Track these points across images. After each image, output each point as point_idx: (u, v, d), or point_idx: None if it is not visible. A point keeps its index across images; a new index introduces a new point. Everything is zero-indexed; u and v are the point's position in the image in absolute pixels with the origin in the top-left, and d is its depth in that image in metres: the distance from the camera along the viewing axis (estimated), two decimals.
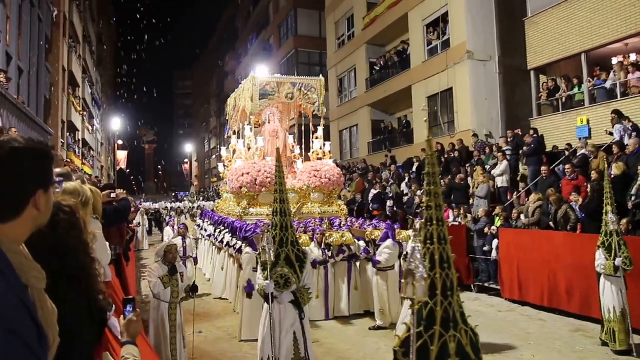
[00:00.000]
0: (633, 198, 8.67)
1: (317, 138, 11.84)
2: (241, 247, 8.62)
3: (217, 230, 11.11)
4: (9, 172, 1.30)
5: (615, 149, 9.97)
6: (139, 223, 18.68)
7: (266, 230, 4.72)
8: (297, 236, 8.68)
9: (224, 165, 13.43)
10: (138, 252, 17.25)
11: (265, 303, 4.68)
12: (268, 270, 4.57)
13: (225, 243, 9.87)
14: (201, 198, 39.07)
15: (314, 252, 8.49)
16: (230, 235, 9.73)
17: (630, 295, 7.38)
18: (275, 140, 11.86)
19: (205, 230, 12.97)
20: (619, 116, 10.98)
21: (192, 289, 5.88)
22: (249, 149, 11.42)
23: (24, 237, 1.36)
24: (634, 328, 7.15)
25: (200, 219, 15.74)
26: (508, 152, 13.01)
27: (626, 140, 10.21)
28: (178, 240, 10.65)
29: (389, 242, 8.02)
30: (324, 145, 11.85)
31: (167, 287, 5.59)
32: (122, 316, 2.20)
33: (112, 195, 4.86)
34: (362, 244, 9.00)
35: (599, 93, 12.70)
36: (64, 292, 1.67)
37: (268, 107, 11.67)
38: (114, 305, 2.58)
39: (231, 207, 11.59)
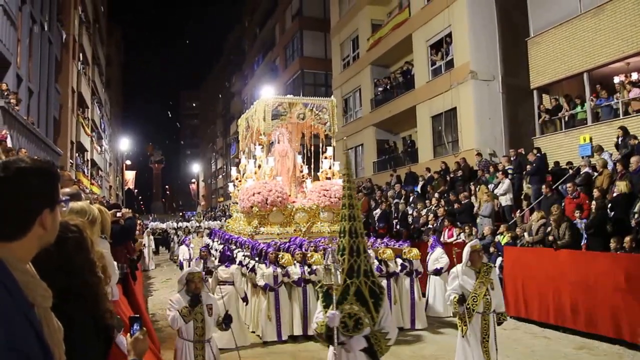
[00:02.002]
0: (636, 216, 8.64)
1: (326, 158, 11.93)
2: (254, 266, 8.67)
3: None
4: (15, 191, 1.31)
5: (619, 167, 10.00)
6: (145, 244, 18.74)
7: (330, 244, 3.67)
8: (310, 254, 8.82)
9: (234, 185, 13.54)
10: (145, 272, 17.29)
11: (330, 345, 3.54)
12: (334, 300, 3.45)
13: (237, 262, 9.88)
14: (206, 218, 39.13)
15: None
16: (243, 254, 9.75)
17: (630, 310, 7.39)
18: (284, 160, 11.95)
19: (216, 250, 13.02)
20: (625, 132, 11.04)
21: (225, 319, 5.08)
22: (260, 167, 11.53)
23: (30, 255, 1.38)
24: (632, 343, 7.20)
25: (209, 237, 15.77)
26: (510, 171, 13.06)
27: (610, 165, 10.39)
28: (199, 264, 10.73)
29: None
30: (333, 164, 11.96)
31: (187, 322, 4.85)
32: (128, 334, 2.20)
33: (118, 214, 4.92)
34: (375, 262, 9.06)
35: (604, 111, 12.75)
36: (70, 310, 1.67)
37: (279, 127, 11.80)
38: (123, 325, 2.61)
39: (242, 226, 11.65)
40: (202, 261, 10.46)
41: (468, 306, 5.35)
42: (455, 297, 5.38)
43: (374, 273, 3.67)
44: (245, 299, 8.13)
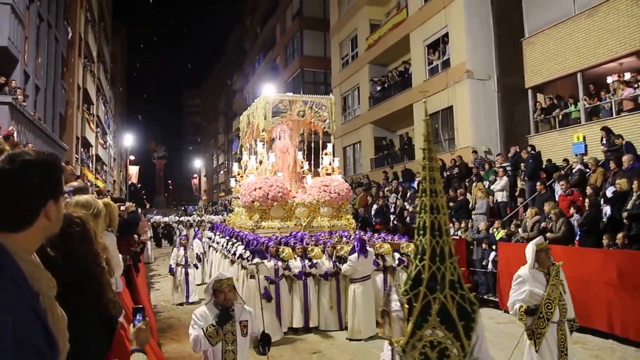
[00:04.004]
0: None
1: (326, 154, 12.18)
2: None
3: (230, 243, 11.31)
4: (21, 184, 1.34)
5: (612, 165, 10.19)
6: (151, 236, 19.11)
7: (394, 281, 2.51)
8: (310, 248, 8.96)
9: (236, 180, 13.77)
10: (147, 264, 17.64)
11: None
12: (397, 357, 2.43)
13: (238, 255, 9.96)
14: (207, 213, 39.44)
15: (325, 264, 8.81)
16: (243, 247, 9.87)
17: (623, 305, 7.60)
18: (285, 156, 12.18)
19: (218, 243, 13.29)
20: (607, 133, 11.28)
21: (263, 340, 3.95)
22: (261, 163, 11.81)
23: (35, 246, 1.41)
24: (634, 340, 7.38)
25: (211, 231, 16.09)
26: (509, 169, 13.33)
27: None
28: (180, 251, 11.33)
29: (354, 255, 8.35)
30: (333, 161, 12.21)
31: (215, 344, 3.73)
32: (131, 324, 2.25)
33: (122, 208, 5.18)
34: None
35: (604, 111, 12.88)
36: (73, 302, 1.69)
37: (279, 124, 12.05)
38: (123, 311, 2.76)
39: (243, 220, 11.84)
40: (183, 248, 11.08)
41: (542, 314, 4.63)
42: (521, 306, 4.65)
43: (462, 284, 2.55)
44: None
